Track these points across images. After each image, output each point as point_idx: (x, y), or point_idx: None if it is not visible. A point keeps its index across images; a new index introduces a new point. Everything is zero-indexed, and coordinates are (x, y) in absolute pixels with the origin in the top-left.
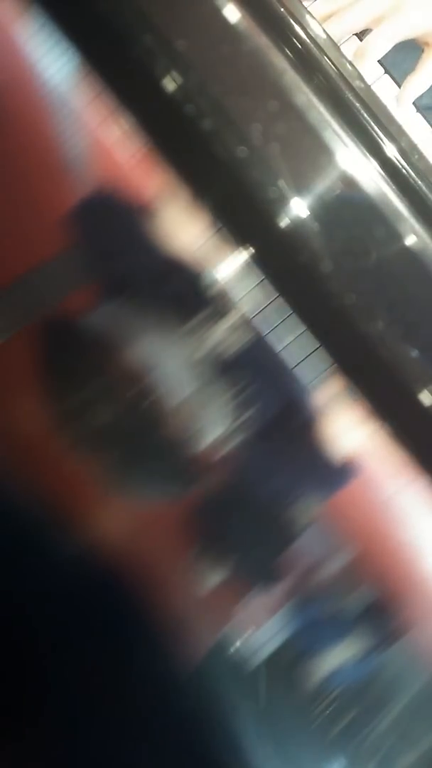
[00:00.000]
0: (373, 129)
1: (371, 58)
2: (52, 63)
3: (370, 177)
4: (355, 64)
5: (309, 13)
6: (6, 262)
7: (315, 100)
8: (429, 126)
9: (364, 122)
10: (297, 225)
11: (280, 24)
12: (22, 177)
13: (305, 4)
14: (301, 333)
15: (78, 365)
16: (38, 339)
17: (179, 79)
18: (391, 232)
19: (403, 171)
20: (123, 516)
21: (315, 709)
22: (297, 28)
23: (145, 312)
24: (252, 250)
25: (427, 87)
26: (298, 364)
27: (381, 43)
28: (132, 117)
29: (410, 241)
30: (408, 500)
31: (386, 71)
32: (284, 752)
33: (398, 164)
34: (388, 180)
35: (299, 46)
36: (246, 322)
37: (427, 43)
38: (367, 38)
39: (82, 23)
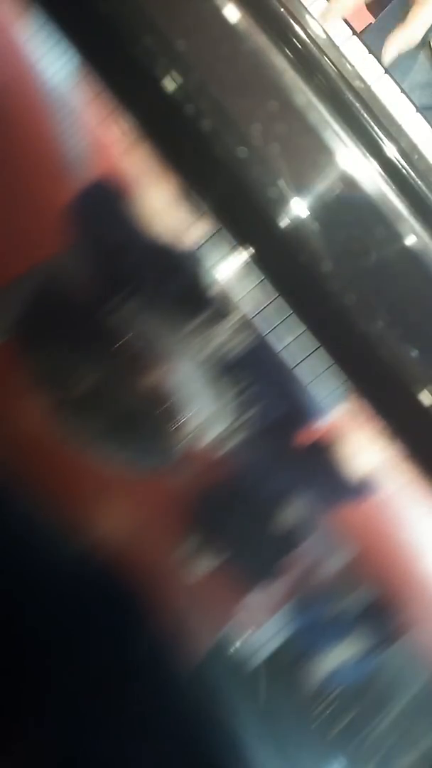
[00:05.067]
0: (373, 129)
1: (338, 15)
2: (52, 63)
3: (370, 177)
4: (321, 21)
5: (309, 13)
6: (6, 262)
7: (315, 100)
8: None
9: (364, 122)
10: (297, 225)
11: (280, 24)
12: (21, 177)
13: (305, 4)
14: (301, 333)
15: (78, 366)
16: (39, 338)
17: (179, 79)
18: (391, 232)
19: (403, 171)
20: (123, 515)
21: (315, 709)
22: (297, 28)
23: (145, 312)
24: (252, 250)
25: (414, 42)
26: (298, 364)
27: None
28: (132, 117)
29: (410, 241)
30: (408, 500)
31: (386, 71)
32: (284, 752)
33: (398, 164)
34: (388, 180)
35: (299, 46)
36: (246, 322)
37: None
38: None
39: (82, 23)
